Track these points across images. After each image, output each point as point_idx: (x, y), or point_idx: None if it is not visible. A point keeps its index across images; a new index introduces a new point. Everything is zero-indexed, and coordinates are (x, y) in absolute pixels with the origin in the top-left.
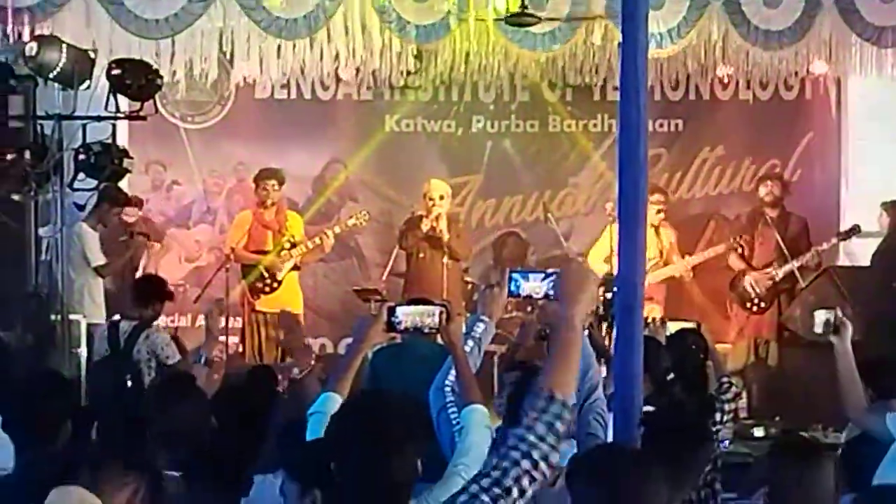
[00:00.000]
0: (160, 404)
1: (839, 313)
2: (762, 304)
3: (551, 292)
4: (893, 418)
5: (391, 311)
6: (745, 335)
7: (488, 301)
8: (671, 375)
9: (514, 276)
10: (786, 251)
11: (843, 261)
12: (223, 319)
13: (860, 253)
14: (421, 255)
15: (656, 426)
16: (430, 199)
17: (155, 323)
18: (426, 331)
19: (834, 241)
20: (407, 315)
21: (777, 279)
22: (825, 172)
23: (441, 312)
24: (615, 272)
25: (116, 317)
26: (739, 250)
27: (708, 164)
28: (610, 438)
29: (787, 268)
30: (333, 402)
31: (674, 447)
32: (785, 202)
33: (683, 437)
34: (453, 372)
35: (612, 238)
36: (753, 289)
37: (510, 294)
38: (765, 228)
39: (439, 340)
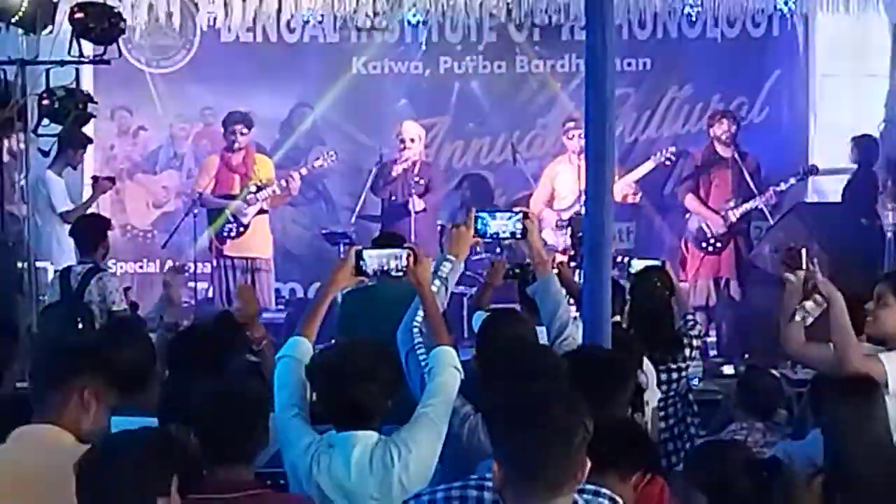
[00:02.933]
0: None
1: (802, 252)
2: (718, 245)
3: (518, 231)
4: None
5: (358, 255)
6: (702, 274)
7: (454, 240)
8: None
9: (481, 215)
10: (752, 187)
11: (811, 198)
12: (183, 283)
13: (829, 189)
14: (394, 198)
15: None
16: (402, 140)
17: (108, 267)
18: (393, 273)
19: (792, 181)
20: (374, 258)
21: (733, 220)
22: (793, 110)
23: (408, 255)
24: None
25: (69, 262)
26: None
27: (676, 103)
28: None
29: (742, 208)
30: (302, 345)
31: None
32: (741, 141)
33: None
34: (421, 313)
35: (552, 178)
36: (709, 229)
37: (477, 234)
38: (720, 168)
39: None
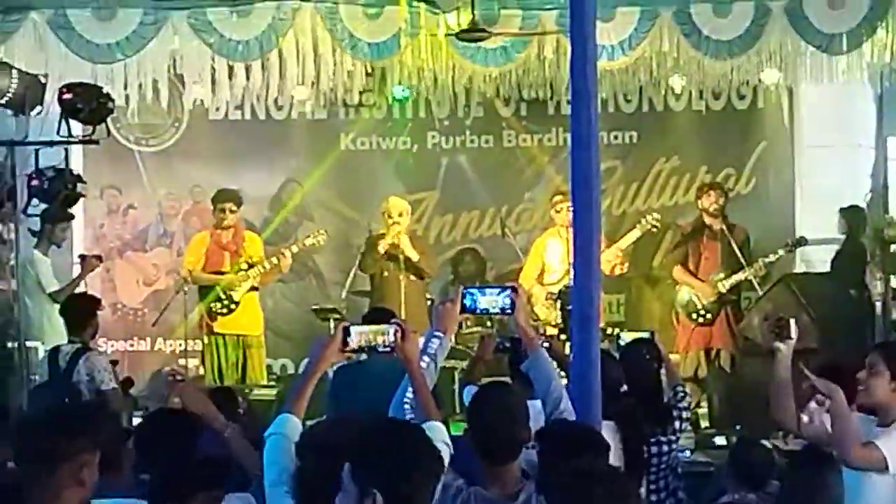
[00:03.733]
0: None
1: (791, 322)
2: (708, 316)
3: (508, 307)
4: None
5: (346, 331)
6: (693, 346)
7: (442, 317)
8: (624, 387)
9: (470, 291)
10: (741, 259)
11: (799, 268)
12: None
13: (817, 259)
14: (385, 273)
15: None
16: (390, 216)
17: (97, 346)
18: (381, 349)
19: (780, 252)
20: (361, 334)
21: (723, 291)
22: (779, 180)
23: (396, 331)
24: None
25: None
26: (684, 261)
27: (663, 175)
28: None
29: (733, 280)
30: (290, 423)
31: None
32: (729, 212)
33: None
34: (411, 388)
35: (541, 253)
36: (699, 301)
37: (466, 309)
38: (709, 240)
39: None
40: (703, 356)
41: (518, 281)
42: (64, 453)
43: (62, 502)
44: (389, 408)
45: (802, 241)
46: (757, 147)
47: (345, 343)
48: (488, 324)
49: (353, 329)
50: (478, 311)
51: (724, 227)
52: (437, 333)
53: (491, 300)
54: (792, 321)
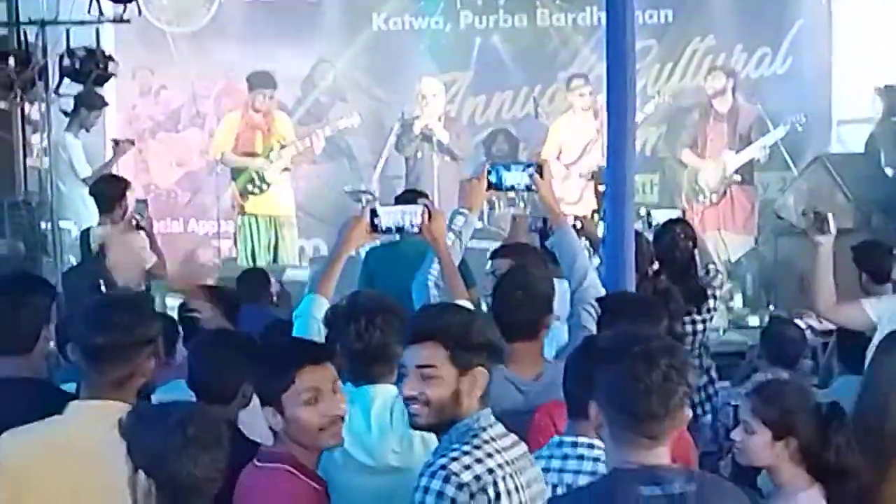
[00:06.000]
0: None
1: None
2: (713, 197)
3: (531, 183)
4: (871, 303)
5: (373, 213)
6: (706, 228)
7: (468, 193)
8: (656, 265)
9: (496, 167)
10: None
11: (835, 148)
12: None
13: (852, 139)
14: (419, 154)
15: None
16: (423, 97)
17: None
18: (408, 229)
19: (779, 133)
20: (388, 215)
21: (726, 173)
22: (816, 60)
23: (423, 211)
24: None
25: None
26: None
27: (699, 55)
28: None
29: (735, 161)
30: (318, 303)
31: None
32: (764, 93)
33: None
34: (436, 266)
35: (557, 134)
36: (706, 183)
37: (492, 186)
38: (716, 122)
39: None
40: (717, 238)
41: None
42: (144, 337)
43: (131, 385)
44: (412, 285)
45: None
46: (793, 26)
47: (372, 224)
48: (521, 204)
49: (380, 210)
50: (503, 187)
51: (732, 108)
52: (462, 210)
53: (516, 176)
54: (830, 215)
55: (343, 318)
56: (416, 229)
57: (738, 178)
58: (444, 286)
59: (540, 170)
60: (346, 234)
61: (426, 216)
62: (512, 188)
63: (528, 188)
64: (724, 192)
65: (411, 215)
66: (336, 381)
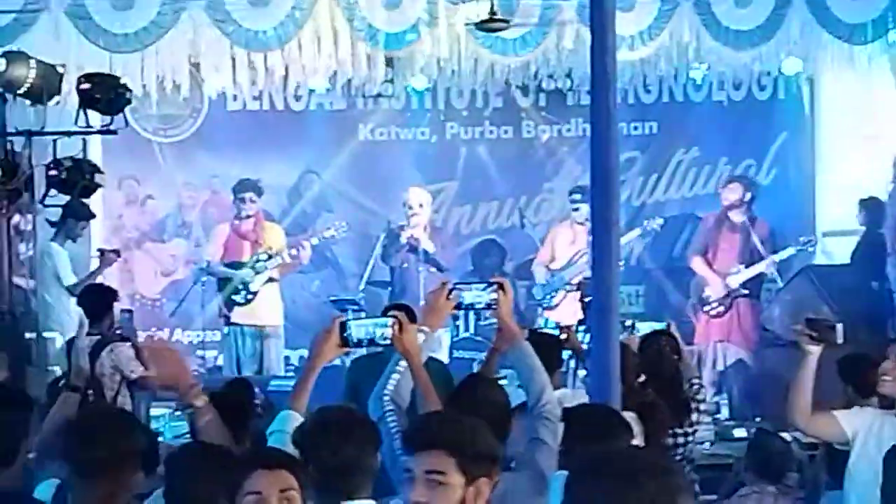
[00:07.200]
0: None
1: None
2: (720, 309)
3: (493, 302)
4: (844, 415)
5: (343, 326)
6: (711, 338)
7: (424, 312)
8: (642, 378)
9: (457, 286)
10: (762, 253)
11: (820, 259)
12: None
13: (837, 251)
14: (405, 265)
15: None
16: (410, 207)
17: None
18: (379, 342)
19: (791, 250)
20: (359, 328)
21: (732, 287)
22: (800, 172)
23: (394, 323)
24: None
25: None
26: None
27: (683, 166)
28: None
29: (745, 274)
30: (292, 419)
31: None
32: (754, 205)
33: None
34: (392, 382)
35: (552, 242)
36: (712, 293)
37: (455, 305)
38: (729, 232)
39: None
40: (722, 349)
41: (532, 269)
42: (125, 457)
43: (119, 499)
44: (369, 400)
45: (814, 242)
46: (777, 138)
47: (342, 337)
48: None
49: (351, 323)
50: (463, 306)
51: (747, 221)
52: (423, 328)
53: (476, 295)
54: (839, 326)
55: (312, 436)
56: (387, 342)
57: (745, 291)
58: (417, 397)
59: (501, 287)
60: (317, 348)
61: (397, 328)
62: (472, 307)
63: (490, 307)
64: (731, 305)
65: (382, 328)
66: (290, 491)
